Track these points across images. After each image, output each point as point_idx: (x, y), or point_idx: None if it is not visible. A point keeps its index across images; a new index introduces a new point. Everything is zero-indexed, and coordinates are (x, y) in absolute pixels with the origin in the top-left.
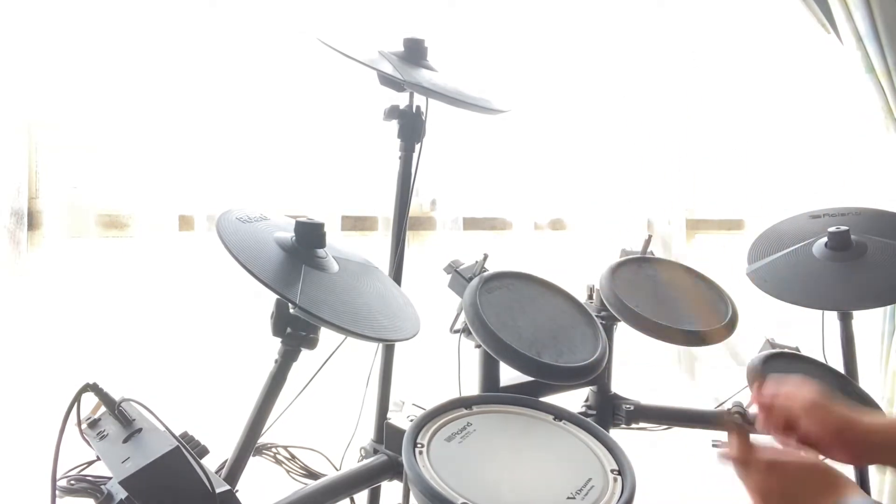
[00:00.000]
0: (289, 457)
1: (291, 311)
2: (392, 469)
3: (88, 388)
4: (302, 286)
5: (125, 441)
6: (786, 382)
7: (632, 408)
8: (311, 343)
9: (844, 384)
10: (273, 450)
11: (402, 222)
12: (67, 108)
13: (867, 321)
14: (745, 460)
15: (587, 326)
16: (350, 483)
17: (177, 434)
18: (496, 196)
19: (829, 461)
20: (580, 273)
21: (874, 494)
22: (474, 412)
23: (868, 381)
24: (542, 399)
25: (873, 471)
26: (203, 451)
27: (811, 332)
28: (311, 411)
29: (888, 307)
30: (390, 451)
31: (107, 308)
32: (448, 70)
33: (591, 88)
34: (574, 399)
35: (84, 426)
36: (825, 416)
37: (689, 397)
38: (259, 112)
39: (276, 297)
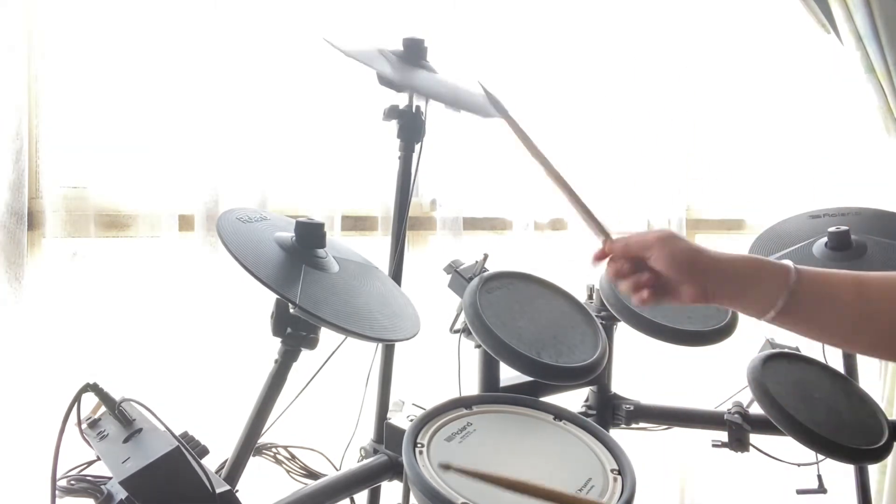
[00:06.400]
0: (289, 457)
1: (291, 311)
2: (392, 469)
3: (88, 388)
4: (302, 286)
5: (125, 441)
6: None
7: (632, 408)
8: (312, 343)
9: (844, 384)
10: (273, 450)
11: (402, 222)
12: (68, 108)
13: None
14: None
15: (587, 326)
16: (350, 483)
17: (177, 434)
18: (496, 196)
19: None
20: (580, 273)
21: (874, 494)
22: (474, 412)
23: (868, 381)
24: (542, 399)
25: (874, 470)
26: (203, 451)
27: None
28: (311, 411)
29: None
30: (390, 451)
31: (107, 308)
32: (448, 70)
33: (591, 88)
34: (574, 399)
35: (84, 426)
36: (674, 247)
37: (689, 397)
38: (259, 112)
39: (276, 296)
